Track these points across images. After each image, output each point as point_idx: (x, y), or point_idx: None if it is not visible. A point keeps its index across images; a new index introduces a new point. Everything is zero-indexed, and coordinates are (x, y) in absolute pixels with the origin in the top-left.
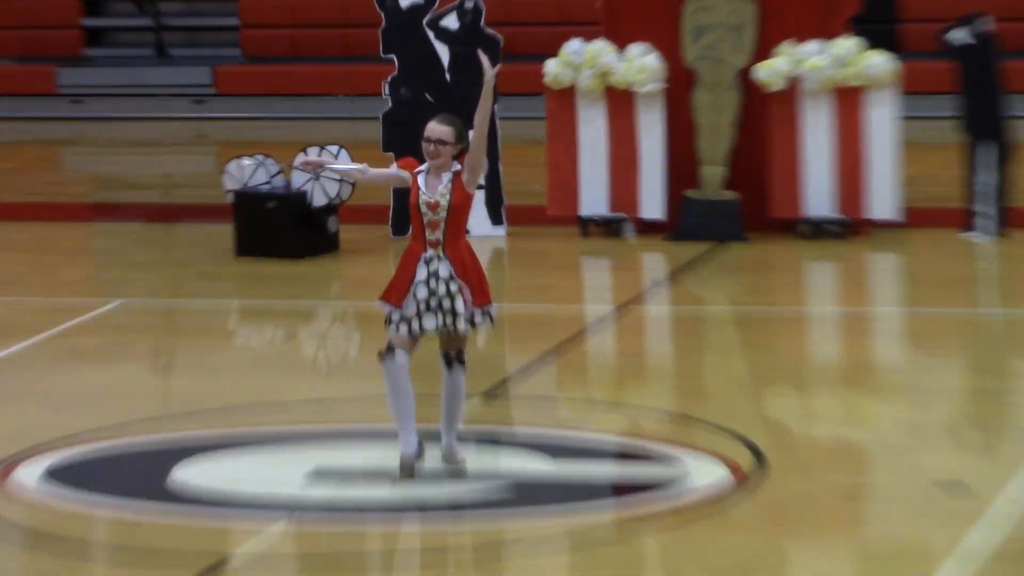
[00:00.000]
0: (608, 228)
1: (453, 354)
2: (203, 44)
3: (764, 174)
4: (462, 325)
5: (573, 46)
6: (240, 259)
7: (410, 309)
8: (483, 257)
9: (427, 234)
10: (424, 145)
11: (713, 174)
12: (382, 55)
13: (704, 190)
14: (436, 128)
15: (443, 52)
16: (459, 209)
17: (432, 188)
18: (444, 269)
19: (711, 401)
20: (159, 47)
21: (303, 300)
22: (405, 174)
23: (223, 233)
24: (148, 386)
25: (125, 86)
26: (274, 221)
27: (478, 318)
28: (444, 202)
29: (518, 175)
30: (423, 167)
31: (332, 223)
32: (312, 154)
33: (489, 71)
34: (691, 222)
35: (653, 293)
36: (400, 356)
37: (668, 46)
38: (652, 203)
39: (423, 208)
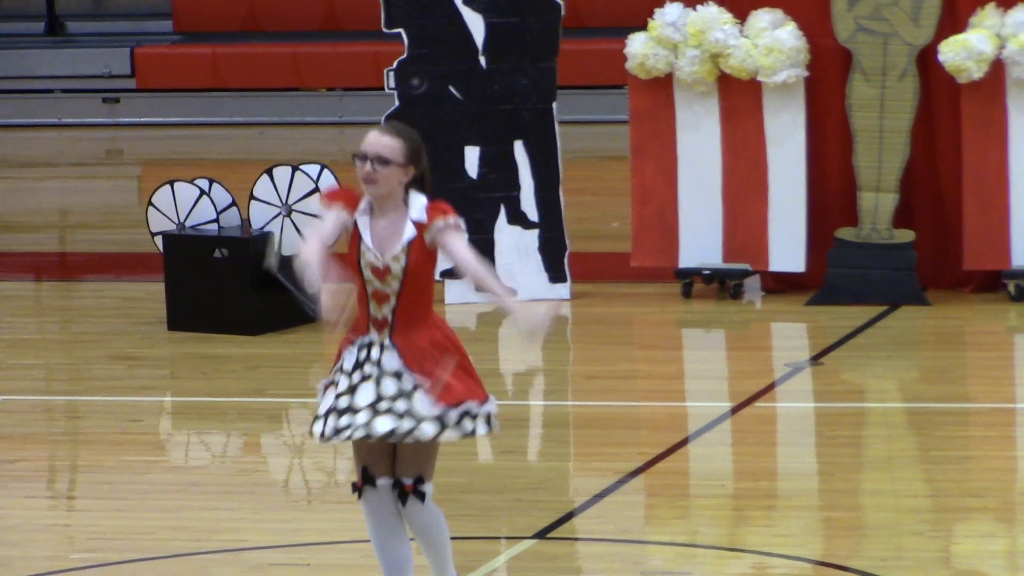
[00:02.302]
0: (722, 286)
1: (408, 483)
2: (117, 15)
3: (954, 205)
4: (422, 433)
5: (670, 14)
6: (174, 334)
7: (326, 403)
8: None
9: (371, 308)
10: (357, 165)
11: (879, 205)
12: (385, 29)
13: (865, 229)
14: (376, 140)
15: (476, 24)
16: (420, 275)
17: (381, 242)
18: (391, 361)
19: (873, 542)
20: (52, 20)
21: (267, 396)
22: (342, 214)
23: (148, 296)
24: (34, 526)
25: (1, 78)
26: (225, 278)
27: (476, 425)
28: (398, 267)
29: (588, 207)
30: (363, 203)
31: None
32: (280, 178)
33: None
34: (845, 277)
35: (789, 383)
36: (382, 484)
37: (810, 15)
38: (787, 249)
39: (366, 272)
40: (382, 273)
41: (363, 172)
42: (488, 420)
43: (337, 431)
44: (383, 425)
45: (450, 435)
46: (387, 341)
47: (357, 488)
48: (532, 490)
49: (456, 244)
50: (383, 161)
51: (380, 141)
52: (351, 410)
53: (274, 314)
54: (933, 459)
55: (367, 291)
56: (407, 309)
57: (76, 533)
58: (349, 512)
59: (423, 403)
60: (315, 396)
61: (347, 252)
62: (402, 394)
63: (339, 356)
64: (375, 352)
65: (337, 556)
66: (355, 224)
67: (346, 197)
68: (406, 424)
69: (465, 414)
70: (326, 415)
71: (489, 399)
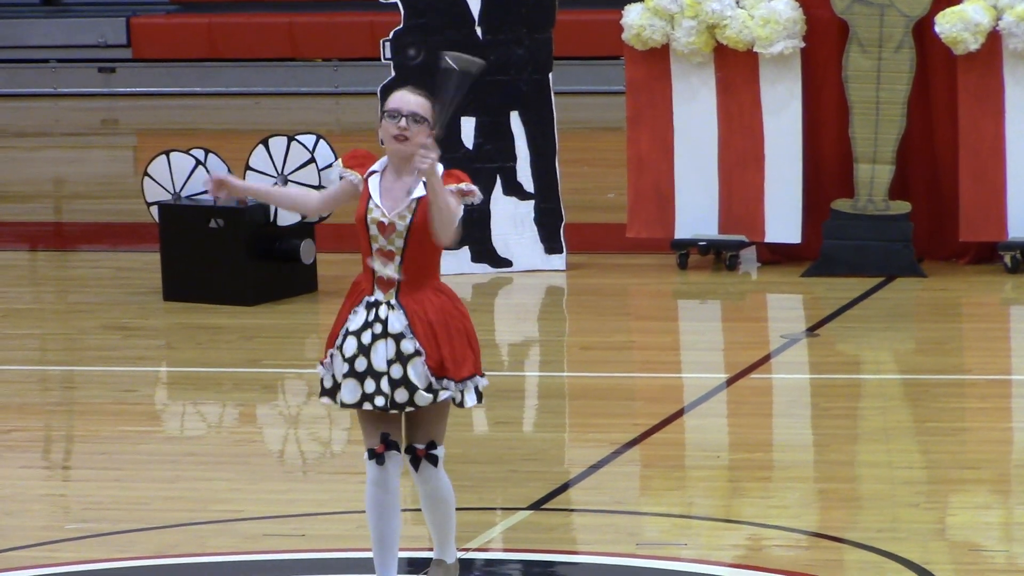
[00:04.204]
0: (718, 257)
1: (421, 447)
2: None
3: (950, 177)
4: (421, 399)
5: None
6: (170, 304)
7: (340, 368)
8: (533, 302)
9: (377, 267)
10: (387, 124)
11: (875, 177)
12: None
13: (861, 200)
14: (408, 98)
15: None
16: (425, 234)
17: (389, 198)
18: (397, 322)
19: (869, 514)
20: None
21: (263, 367)
22: (353, 177)
23: (144, 266)
24: (29, 496)
25: None
26: (221, 248)
27: (464, 394)
28: (403, 225)
29: (584, 178)
30: (377, 165)
31: (307, 250)
32: (276, 148)
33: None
34: (841, 248)
35: (785, 354)
36: (391, 463)
37: None
38: (783, 220)
39: (372, 229)
40: (387, 229)
41: (396, 130)
42: (479, 394)
43: (364, 398)
44: (380, 397)
45: (428, 399)
46: (394, 300)
47: (376, 454)
48: (527, 461)
49: (446, 195)
50: (417, 119)
51: (413, 99)
52: (370, 375)
53: (269, 284)
54: (929, 431)
55: (372, 249)
56: (413, 269)
57: (71, 503)
58: (344, 483)
59: (418, 372)
60: (310, 367)
61: (357, 209)
62: (400, 359)
63: (341, 322)
64: (383, 311)
65: (332, 526)
66: (364, 182)
67: (359, 159)
68: (401, 395)
69: (471, 387)
70: (345, 380)
71: (480, 374)
